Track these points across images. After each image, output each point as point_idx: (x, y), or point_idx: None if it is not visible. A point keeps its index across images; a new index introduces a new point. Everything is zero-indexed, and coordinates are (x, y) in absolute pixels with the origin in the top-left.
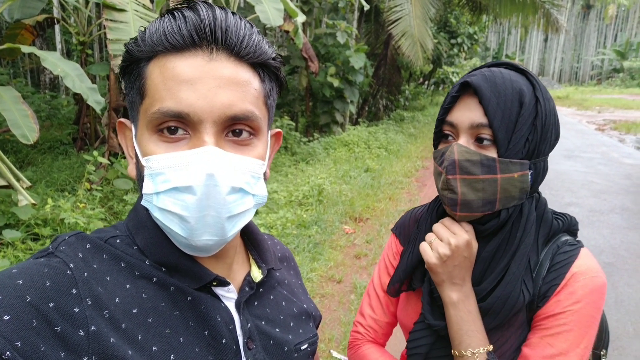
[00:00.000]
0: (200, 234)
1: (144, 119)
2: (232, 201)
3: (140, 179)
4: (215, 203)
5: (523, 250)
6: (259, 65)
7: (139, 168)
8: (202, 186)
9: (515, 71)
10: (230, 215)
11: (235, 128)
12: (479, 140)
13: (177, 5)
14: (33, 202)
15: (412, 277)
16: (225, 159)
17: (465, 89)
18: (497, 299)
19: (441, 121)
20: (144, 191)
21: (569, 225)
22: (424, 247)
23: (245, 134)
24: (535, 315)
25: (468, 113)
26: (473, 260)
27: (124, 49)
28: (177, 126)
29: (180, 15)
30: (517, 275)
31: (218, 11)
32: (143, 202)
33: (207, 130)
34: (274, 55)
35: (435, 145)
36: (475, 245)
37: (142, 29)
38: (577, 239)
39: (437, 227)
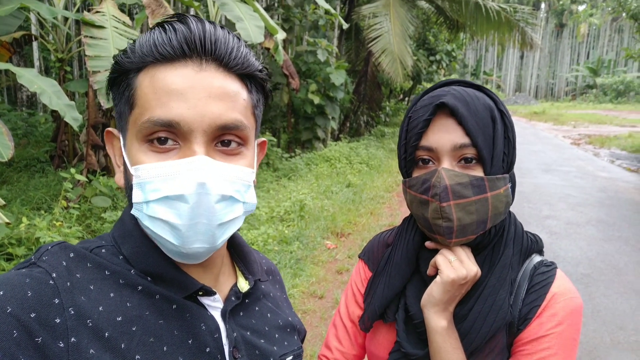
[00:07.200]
0: (192, 241)
1: (134, 128)
2: (222, 209)
3: (128, 187)
4: (206, 211)
5: (503, 262)
6: (247, 77)
7: (127, 177)
8: (194, 195)
9: (472, 88)
10: (220, 222)
11: (224, 138)
12: (464, 160)
13: (166, 18)
14: (7, 221)
15: (387, 309)
16: (216, 168)
17: (439, 110)
18: (478, 314)
19: (414, 147)
20: (133, 200)
21: (538, 245)
22: (443, 261)
23: (233, 144)
24: (516, 339)
25: (448, 135)
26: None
27: (113, 61)
28: (167, 137)
29: (171, 28)
30: (497, 288)
31: (207, 24)
32: (133, 211)
33: (197, 140)
34: (260, 67)
35: (407, 173)
36: None
37: (131, 41)
38: (549, 260)
39: (458, 250)
